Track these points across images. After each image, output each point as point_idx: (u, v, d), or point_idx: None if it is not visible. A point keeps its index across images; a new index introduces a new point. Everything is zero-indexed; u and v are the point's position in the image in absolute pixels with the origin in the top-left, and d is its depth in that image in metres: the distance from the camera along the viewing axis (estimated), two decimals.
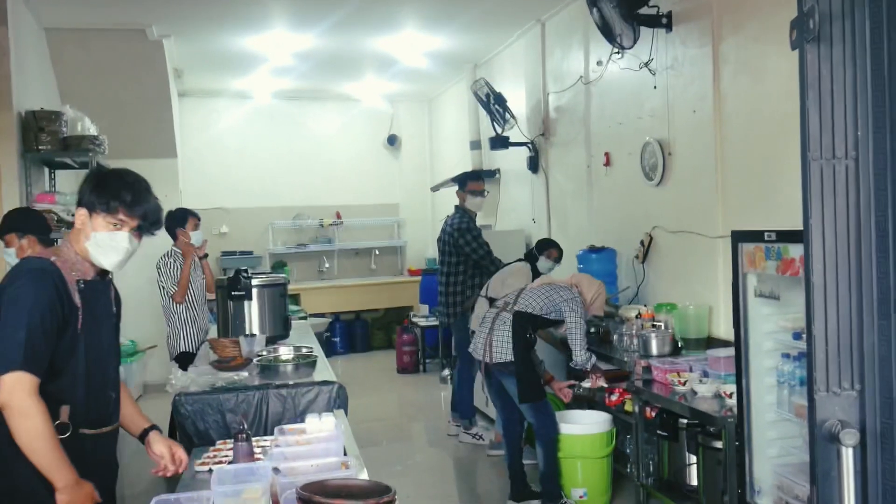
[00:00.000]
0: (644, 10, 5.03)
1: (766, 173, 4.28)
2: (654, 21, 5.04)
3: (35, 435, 2.19)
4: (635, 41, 5.11)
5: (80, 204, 2.43)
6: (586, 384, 4.68)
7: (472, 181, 6.44)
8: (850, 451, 1.33)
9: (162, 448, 2.63)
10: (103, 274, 2.50)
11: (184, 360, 5.46)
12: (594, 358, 4.68)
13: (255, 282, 4.83)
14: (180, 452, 2.66)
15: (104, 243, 2.39)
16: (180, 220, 5.69)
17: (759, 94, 4.31)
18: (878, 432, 1.35)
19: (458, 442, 6.20)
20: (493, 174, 8.40)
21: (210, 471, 2.69)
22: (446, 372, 8.28)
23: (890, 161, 1.31)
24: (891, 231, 1.31)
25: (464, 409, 6.27)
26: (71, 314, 2.32)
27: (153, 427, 2.69)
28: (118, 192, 2.38)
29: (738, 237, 3.50)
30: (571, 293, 4.62)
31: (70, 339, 2.32)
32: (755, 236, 3.37)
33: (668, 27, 5.03)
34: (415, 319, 9.31)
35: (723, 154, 4.66)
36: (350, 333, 10.58)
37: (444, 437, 6.37)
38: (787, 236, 3.18)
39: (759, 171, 4.34)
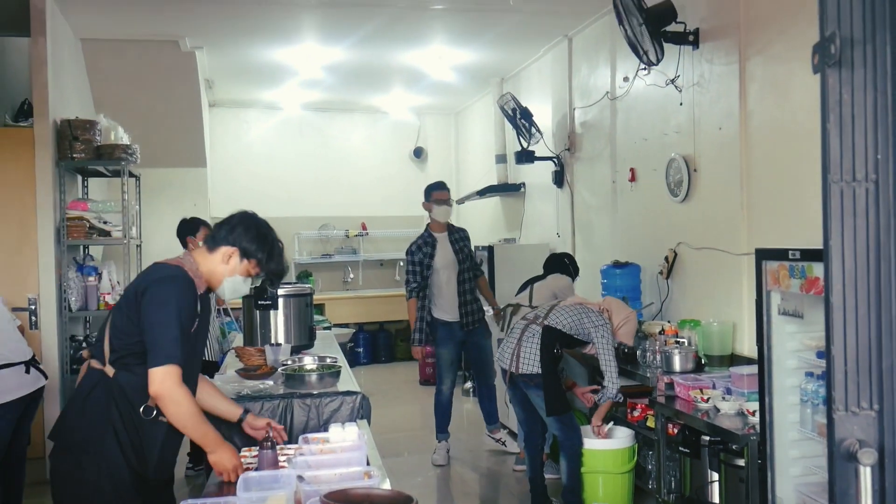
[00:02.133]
0: (671, 27, 5.06)
1: (791, 191, 4.27)
2: (681, 38, 5.06)
3: (187, 417, 2.59)
4: (661, 58, 5.13)
5: (231, 243, 2.79)
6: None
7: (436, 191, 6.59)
8: (868, 469, 1.34)
9: (261, 422, 3.03)
10: (209, 290, 2.85)
11: (202, 367, 5.50)
12: (621, 396, 4.67)
13: (280, 291, 4.88)
14: (276, 425, 3.03)
15: (237, 285, 2.83)
16: (192, 229, 5.65)
17: (785, 111, 4.31)
18: (895, 452, 1.36)
19: (487, 436, 6.34)
20: (518, 188, 8.45)
21: None
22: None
23: None
24: None
25: (487, 417, 6.33)
26: (194, 319, 2.68)
27: (247, 411, 3.12)
28: (277, 258, 2.86)
29: (763, 255, 3.50)
30: (602, 319, 4.61)
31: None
32: (779, 254, 3.37)
33: (695, 44, 5.05)
34: None
35: (748, 171, 4.66)
36: (374, 344, 10.65)
37: (465, 449, 6.39)
38: (811, 255, 3.18)
39: (785, 189, 4.33)
